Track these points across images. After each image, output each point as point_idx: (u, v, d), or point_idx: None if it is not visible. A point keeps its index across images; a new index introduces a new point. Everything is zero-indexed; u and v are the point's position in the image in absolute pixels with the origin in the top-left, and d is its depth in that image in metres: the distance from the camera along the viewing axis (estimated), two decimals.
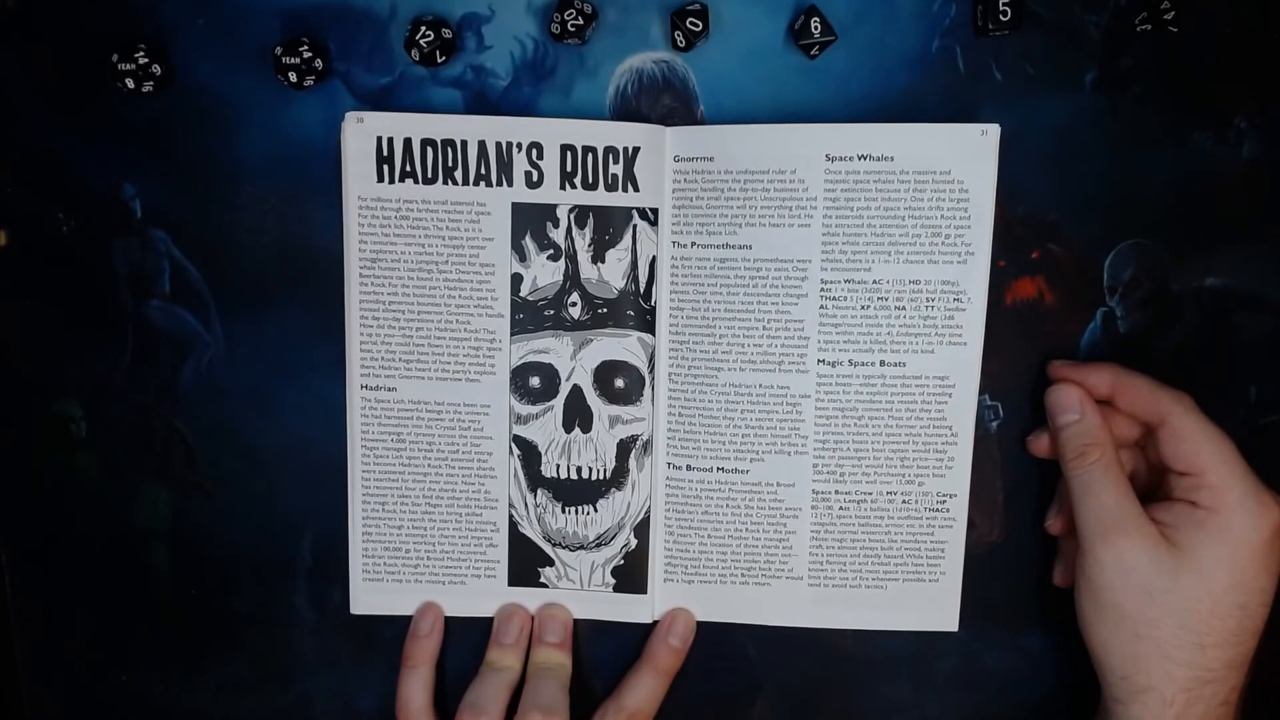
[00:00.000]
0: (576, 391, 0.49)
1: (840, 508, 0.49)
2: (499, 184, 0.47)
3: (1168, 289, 0.48)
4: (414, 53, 0.46)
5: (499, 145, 0.47)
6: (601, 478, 0.49)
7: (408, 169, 0.47)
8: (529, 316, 0.48)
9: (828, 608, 0.50)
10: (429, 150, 0.47)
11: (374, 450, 0.49)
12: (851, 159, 0.46)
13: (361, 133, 0.47)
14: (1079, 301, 0.48)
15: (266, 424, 0.49)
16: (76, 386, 0.49)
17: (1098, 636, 0.44)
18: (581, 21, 0.45)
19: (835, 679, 0.51)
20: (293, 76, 0.46)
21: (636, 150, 0.46)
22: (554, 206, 0.47)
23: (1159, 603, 0.42)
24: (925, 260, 0.46)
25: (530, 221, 0.47)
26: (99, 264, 0.48)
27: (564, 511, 0.49)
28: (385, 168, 0.47)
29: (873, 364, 0.47)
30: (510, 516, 0.50)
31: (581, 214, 0.47)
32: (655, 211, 0.47)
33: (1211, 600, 0.42)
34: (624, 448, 0.49)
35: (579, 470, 0.49)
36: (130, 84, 0.46)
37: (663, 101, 0.47)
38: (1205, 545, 0.42)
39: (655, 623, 0.50)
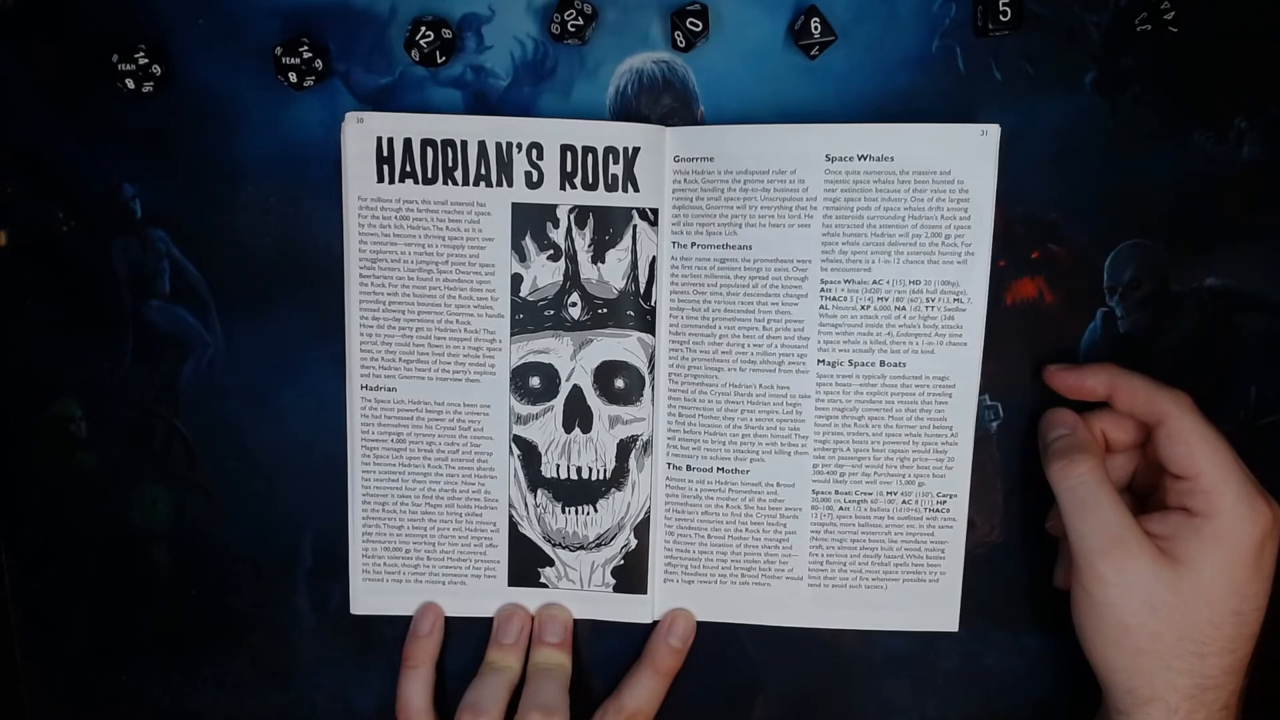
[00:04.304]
0: (576, 392, 0.49)
1: (840, 508, 0.49)
2: (499, 184, 0.47)
3: (1168, 289, 0.48)
4: (414, 53, 0.46)
5: (499, 145, 0.47)
6: (601, 478, 0.49)
7: (408, 169, 0.47)
8: (529, 316, 0.48)
9: (828, 608, 0.50)
10: (429, 150, 0.47)
11: (374, 450, 0.49)
12: (851, 159, 0.46)
13: (361, 133, 0.47)
14: (1079, 301, 0.48)
15: (266, 424, 0.50)
16: (76, 386, 0.49)
17: (1099, 651, 0.44)
18: (581, 21, 0.45)
19: (835, 679, 0.51)
20: (293, 76, 0.46)
21: (636, 150, 0.46)
22: (554, 207, 0.47)
23: (1161, 616, 0.42)
24: (925, 260, 0.46)
25: (530, 222, 0.47)
26: (99, 264, 0.48)
27: (564, 511, 0.49)
28: (385, 168, 0.47)
29: (873, 364, 0.47)
30: (510, 516, 0.50)
31: (581, 214, 0.47)
32: (655, 211, 0.47)
33: (1210, 609, 0.42)
34: (624, 448, 0.49)
35: (579, 470, 0.49)
36: (130, 84, 0.46)
37: (663, 101, 0.47)
38: (1203, 554, 0.42)
39: (655, 623, 0.50)
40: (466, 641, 0.50)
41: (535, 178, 0.47)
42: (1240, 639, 0.42)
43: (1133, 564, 0.42)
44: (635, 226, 0.47)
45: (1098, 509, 0.43)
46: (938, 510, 0.48)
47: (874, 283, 0.47)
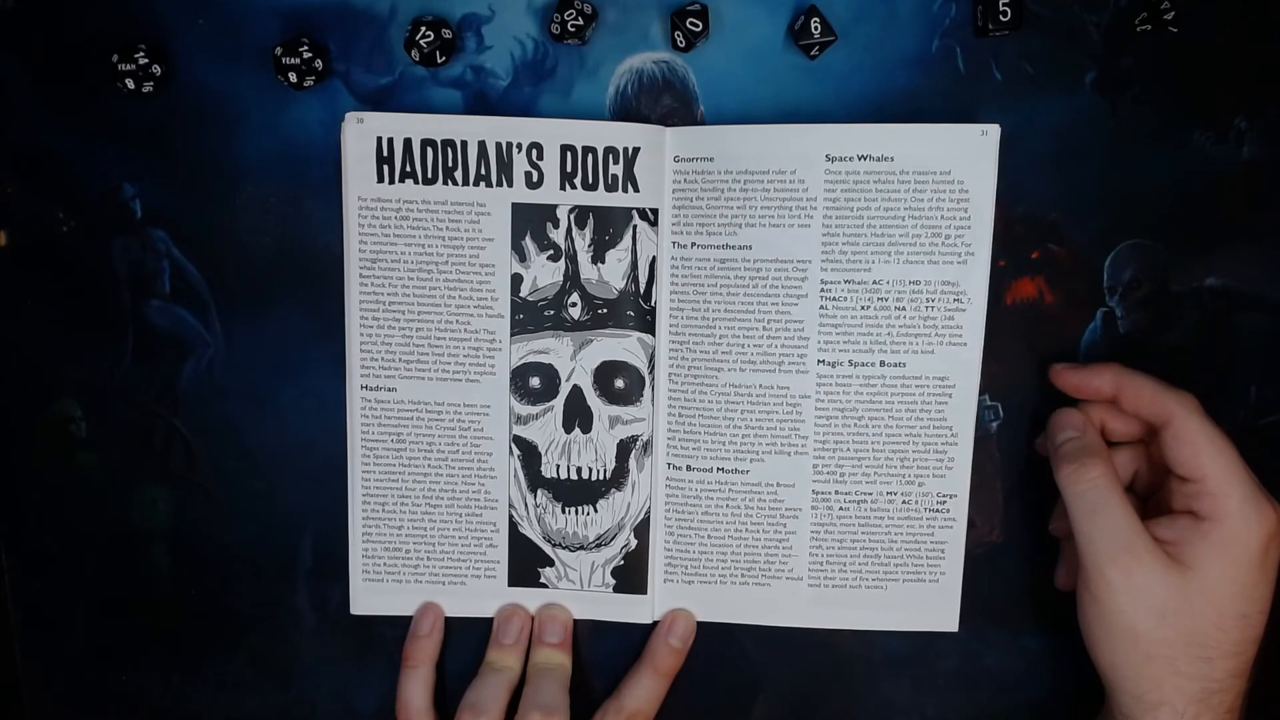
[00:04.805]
0: (576, 392, 0.49)
1: (840, 508, 0.49)
2: (499, 184, 0.47)
3: (1168, 289, 0.48)
4: (414, 53, 0.46)
5: (499, 145, 0.47)
6: (601, 478, 0.49)
7: (408, 169, 0.47)
8: (529, 317, 0.48)
9: (828, 608, 0.50)
10: (429, 150, 0.47)
11: (374, 450, 0.49)
12: (851, 159, 0.46)
13: (361, 133, 0.47)
14: (1079, 301, 0.48)
15: (266, 424, 0.50)
16: (76, 386, 0.49)
17: (1107, 657, 0.44)
18: (581, 21, 0.45)
19: (835, 679, 0.51)
20: (293, 77, 0.46)
21: (636, 150, 0.46)
22: (554, 207, 0.47)
23: (1169, 622, 0.42)
24: (925, 260, 0.46)
25: (530, 222, 0.47)
26: (99, 264, 0.48)
27: (564, 512, 0.49)
28: (385, 168, 0.47)
29: (873, 364, 0.47)
30: (510, 517, 0.50)
31: (581, 214, 0.47)
32: (655, 212, 0.47)
33: (1217, 614, 0.42)
34: (624, 448, 0.49)
35: (579, 470, 0.49)
36: (130, 84, 0.46)
37: (663, 101, 0.47)
38: (1211, 559, 0.42)
39: (655, 623, 0.50)
40: (466, 641, 0.50)
41: (535, 178, 0.47)
42: (1246, 641, 0.42)
43: (1141, 570, 0.42)
44: (635, 226, 0.47)
45: (1108, 514, 0.43)
46: (938, 510, 0.48)
47: (874, 283, 0.47)
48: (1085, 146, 0.47)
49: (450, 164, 0.47)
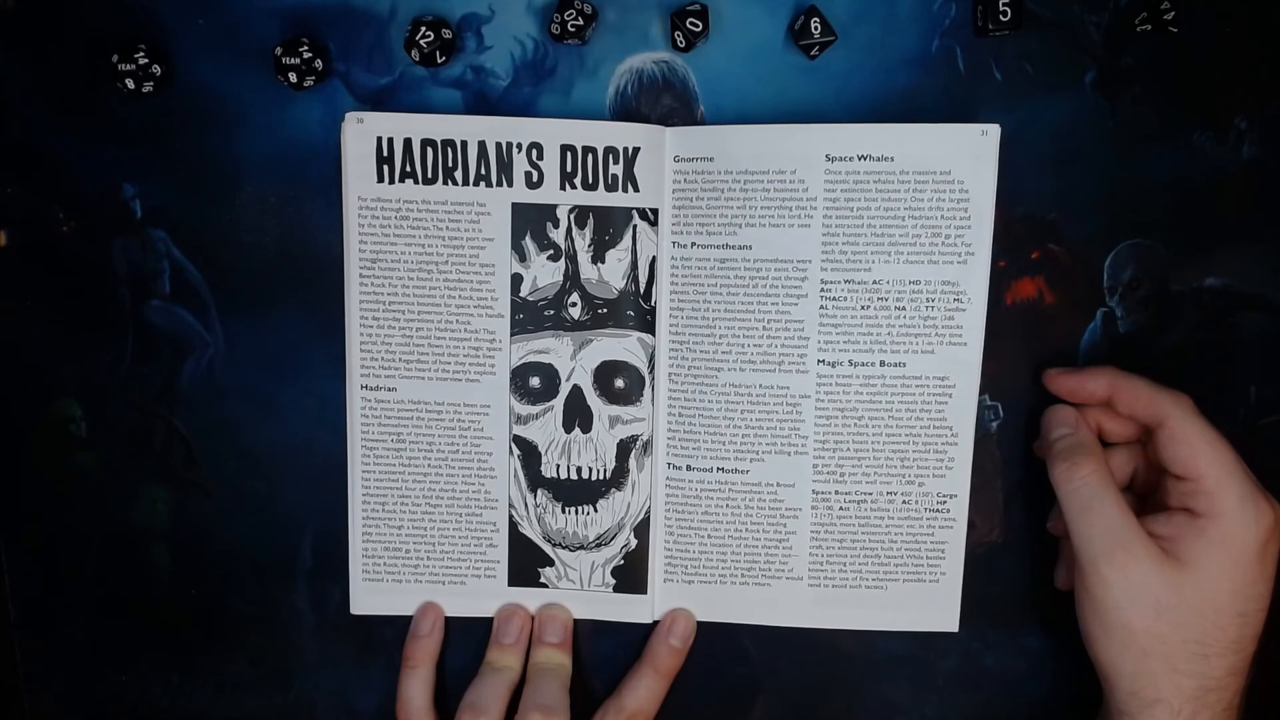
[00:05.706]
0: (576, 392, 0.49)
1: (840, 508, 0.49)
2: (499, 184, 0.47)
3: (1168, 289, 0.48)
4: (414, 53, 0.46)
5: (499, 145, 0.47)
6: (601, 478, 0.49)
7: (408, 169, 0.47)
8: (529, 316, 0.48)
9: (828, 608, 0.50)
10: (429, 150, 0.47)
11: (374, 450, 0.49)
12: (851, 159, 0.46)
13: (361, 133, 0.47)
14: (1079, 301, 0.48)
15: (266, 424, 0.50)
16: (76, 386, 0.49)
17: (1105, 654, 0.44)
18: (581, 22, 0.45)
19: (835, 679, 0.51)
20: (293, 77, 0.46)
21: (636, 150, 0.46)
22: (554, 207, 0.47)
23: (1165, 618, 0.42)
24: (925, 260, 0.46)
25: (530, 222, 0.47)
26: (99, 264, 0.48)
27: (564, 511, 0.49)
28: (385, 168, 0.47)
29: (873, 364, 0.47)
30: (510, 516, 0.50)
31: (581, 214, 0.47)
32: (655, 212, 0.47)
33: (1215, 611, 0.42)
34: (624, 448, 0.49)
35: (579, 470, 0.49)
36: (130, 84, 0.46)
37: (663, 101, 0.47)
38: (1208, 555, 0.42)
39: (655, 623, 0.50)
40: (466, 641, 0.50)
41: (535, 178, 0.47)
42: (1244, 639, 0.42)
43: (1136, 566, 0.42)
44: (635, 226, 0.47)
45: (1101, 511, 0.43)
46: (938, 510, 0.48)
47: (874, 283, 0.47)
48: (1085, 146, 0.47)
49: (450, 164, 0.47)
